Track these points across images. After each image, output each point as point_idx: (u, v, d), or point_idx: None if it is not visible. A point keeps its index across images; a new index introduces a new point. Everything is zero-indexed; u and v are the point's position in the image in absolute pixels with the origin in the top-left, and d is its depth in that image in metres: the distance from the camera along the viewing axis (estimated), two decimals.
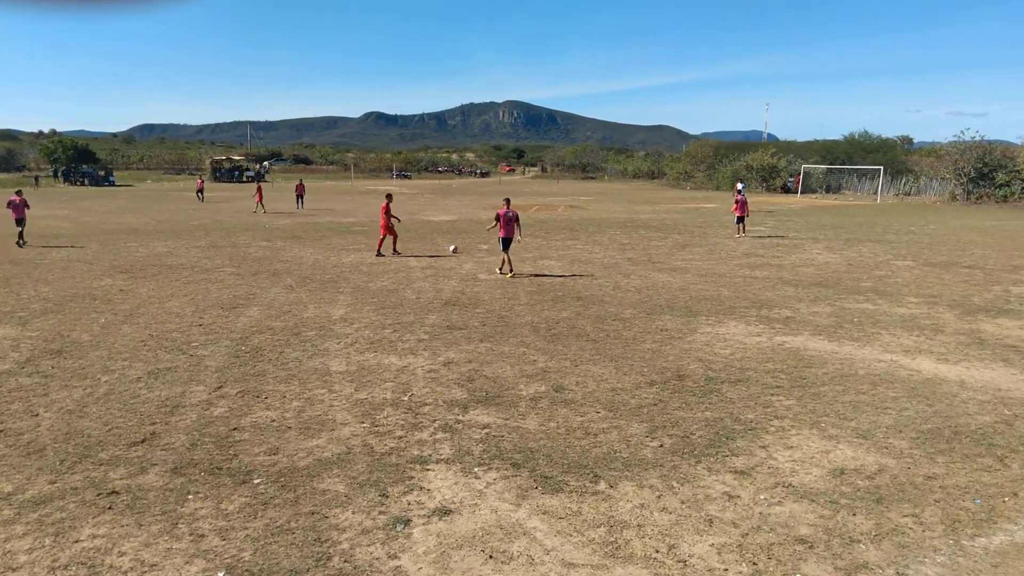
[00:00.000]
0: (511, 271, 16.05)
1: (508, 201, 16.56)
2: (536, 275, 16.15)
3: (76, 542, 4.82)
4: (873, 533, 5.03)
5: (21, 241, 20.74)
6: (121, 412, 7.29)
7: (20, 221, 20.97)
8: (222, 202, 43.35)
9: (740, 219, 25.18)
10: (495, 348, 9.93)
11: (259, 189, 37.54)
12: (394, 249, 19.39)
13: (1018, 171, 46.10)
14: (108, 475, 5.85)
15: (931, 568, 4.62)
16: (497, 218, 16.05)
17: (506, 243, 16.01)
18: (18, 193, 21.65)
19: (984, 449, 6.56)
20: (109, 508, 5.29)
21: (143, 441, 6.55)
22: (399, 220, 20.33)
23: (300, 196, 38.04)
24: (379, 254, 19.22)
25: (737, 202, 25.55)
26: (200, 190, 44.31)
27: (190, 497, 5.48)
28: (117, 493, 5.53)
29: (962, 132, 50.07)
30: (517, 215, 16.14)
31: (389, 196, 20.08)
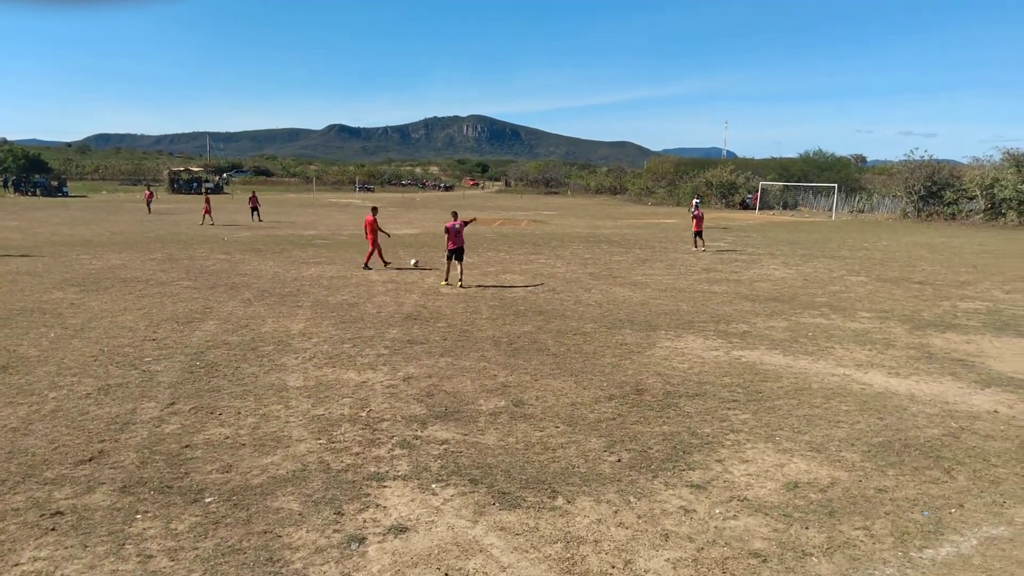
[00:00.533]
0: (460, 282, 16.26)
1: (455, 214, 16.92)
2: (498, 286, 16.15)
3: (16, 565, 4.65)
4: (825, 546, 5.11)
5: None
6: (68, 430, 7.08)
7: None
8: (180, 214, 42.54)
9: (698, 233, 25.79)
10: (455, 363, 9.89)
11: (207, 200, 36.97)
12: (366, 263, 19.35)
13: (965, 190, 47.66)
14: (53, 495, 5.66)
15: None
16: (446, 231, 16.27)
17: (458, 254, 16.29)
18: None
19: (932, 462, 6.73)
20: (52, 529, 5.12)
21: (91, 459, 6.36)
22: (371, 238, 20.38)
23: (255, 208, 37.53)
24: (386, 263, 19.62)
25: (695, 217, 26.28)
26: (148, 202, 43.21)
27: (138, 517, 5.33)
28: (61, 514, 5.35)
29: (912, 152, 51.74)
30: (465, 223, 16.65)
31: (375, 209, 20.29)
